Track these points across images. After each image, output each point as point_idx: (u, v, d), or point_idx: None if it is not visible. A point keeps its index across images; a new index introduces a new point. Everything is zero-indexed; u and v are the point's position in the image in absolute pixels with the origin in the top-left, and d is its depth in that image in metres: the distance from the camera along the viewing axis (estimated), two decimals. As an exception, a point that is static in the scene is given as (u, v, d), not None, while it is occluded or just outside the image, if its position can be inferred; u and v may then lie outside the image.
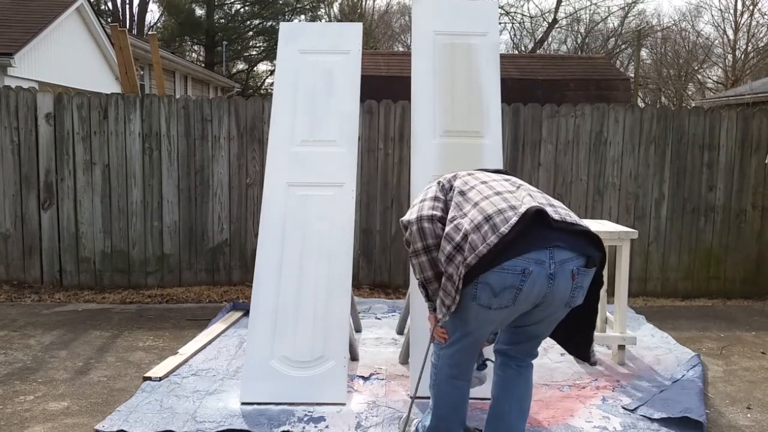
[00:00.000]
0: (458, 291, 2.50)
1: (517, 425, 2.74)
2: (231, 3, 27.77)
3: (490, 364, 3.07)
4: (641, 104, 24.08)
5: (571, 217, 2.54)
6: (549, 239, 2.43)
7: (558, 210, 2.53)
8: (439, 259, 2.59)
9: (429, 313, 2.87)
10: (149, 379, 3.86)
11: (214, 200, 6.20)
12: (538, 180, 6.20)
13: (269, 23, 27.50)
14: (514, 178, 2.81)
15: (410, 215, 2.72)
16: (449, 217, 2.62)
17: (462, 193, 2.67)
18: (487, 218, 2.47)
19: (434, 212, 2.65)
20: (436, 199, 2.72)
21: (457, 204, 2.64)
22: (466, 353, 2.75)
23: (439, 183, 2.82)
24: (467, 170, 2.91)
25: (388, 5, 33.91)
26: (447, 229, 2.57)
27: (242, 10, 28.00)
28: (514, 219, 2.42)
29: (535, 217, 2.43)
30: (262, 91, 29.38)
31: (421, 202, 2.75)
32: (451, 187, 2.77)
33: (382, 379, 3.91)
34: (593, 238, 2.53)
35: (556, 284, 2.44)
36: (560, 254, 2.44)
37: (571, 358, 4.38)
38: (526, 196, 2.56)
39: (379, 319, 5.30)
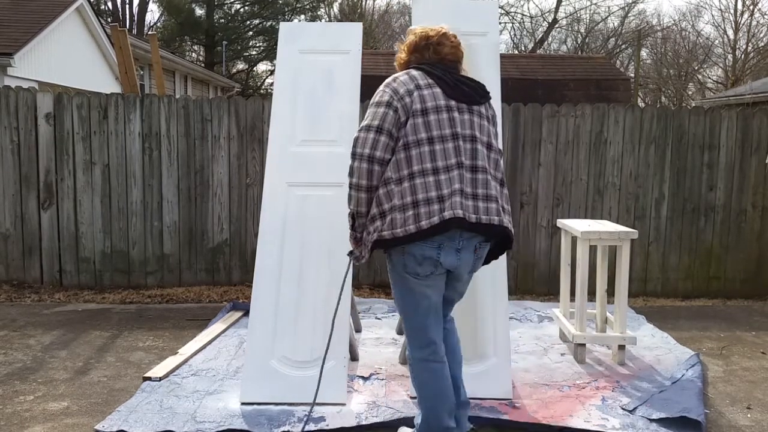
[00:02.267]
0: (369, 251, 2.80)
1: (456, 371, 3.01)
2: (231, 3, 27.77)
3: None
4: (641, 104, 24.08)
5: (489, 214, 2.75)
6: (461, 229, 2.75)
7: (478, 205, 2.73)
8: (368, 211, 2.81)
9: (350, 237, 2.95)
10: (149, 379, 3.86)
11: (214, 200, 6.20)
12: (538, 180, 6.20)
13: (269, 23, 27.49)
14: (459, 135, 2.76)
15: (363, 147, 2.74)
16: (386, 176, 2.74)
17: (407, 147, 2.72)
18: (414, 204, 2.68)
19: (385, 155, 2.75)
20: (389, 135, 2.74)
21: (397, 162, 2.73)
22: (428, 328, 2.87)
23: (395, 110, 2.75)
24: (426, 89, 2.79)
25: (388, 5, 33.92)
26: (380, 191, 2.74)
27: (242, 10, 28.00)
28: (435, 220, 2.66)
29: (454, 221, 2.68)
30: (262, 91, 29.37)
31: (376, 134, 2.74)
32: (406, 120, 2.75)
33: (382, 379, 3.91)
34: (501, 233, 2.84)
35: (462, 256, 2.79)
36: (467, 234, 2.77)
37: (570, 357, 4.38)
38: (456, 194, 2.69)
39: (379, 319, 5.30)
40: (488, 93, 2.95)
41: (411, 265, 2.75)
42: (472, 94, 2.86)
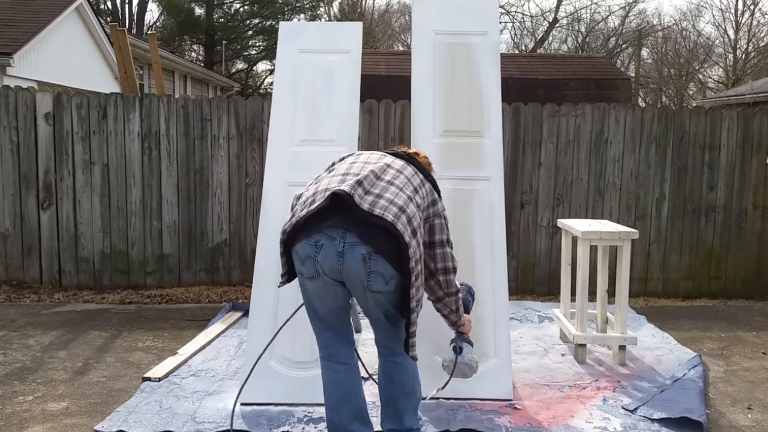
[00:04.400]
0: (281, 256, 2.79)
1: (401, 404, 2.95)
2: (230, 2, 27.74)
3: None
4: (642, 104, 24.06)
5: (387, 211, 2.60)
6: (346, 221, 2.62)
7: (377, 201, 2.64)
8: None
9: None
10: (148, 379, 3.85)
11: (213, 200, 6.19)
12: (539, 180, 6.19)
13: (269, 22, 27.46)
14: (381, 162, 2.86)
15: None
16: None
17: (330, 168, 2.93)
18: (314, 193, 2.73)
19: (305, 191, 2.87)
20: (318, 177, 2.93)
21: (317, 179, 2.88)
22: (324, 330, 2.87)
23: (333, 162, 3.01)
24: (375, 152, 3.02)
25: (388, 5, 33.91)
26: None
27: (241, 9, 27.96)
28: (325, 195, 2.65)
29: (341, 199, 2.61)
30: (261, 91, 29.36)
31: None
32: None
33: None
34: (391, 233, 2.59)
35: (345, 262, 2.61)
36: (351, 237, 2.61)
37: (571, 358, 4.37)
38: (351, 179, 2.68)
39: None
40: (435, 184, 2.99)
41: (297, 263, 2.73)
42: (415, 160, 2.99)
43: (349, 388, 2.87)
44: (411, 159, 2.98)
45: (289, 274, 2.84)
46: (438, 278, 2.87)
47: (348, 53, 4.16)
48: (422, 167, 2.99)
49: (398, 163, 2.91)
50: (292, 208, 2.84)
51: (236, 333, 4.83)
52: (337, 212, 2.62)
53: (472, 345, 3.14)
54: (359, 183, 2.68)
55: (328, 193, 2.65)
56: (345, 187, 2.63)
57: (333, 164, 2.99)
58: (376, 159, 2.90)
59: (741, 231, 6.34)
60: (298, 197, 2.84)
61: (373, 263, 2.60)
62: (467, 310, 3.16)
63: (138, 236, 6.15)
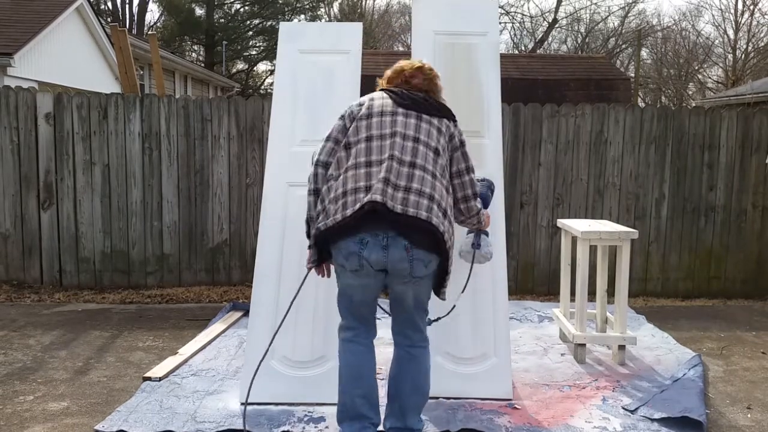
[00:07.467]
0: (310, 247, 2.97)
1: (409, 400, 3.00)
2: (231, 3, 27.77)
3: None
4: (641, 104, 24.07)
5: (420, 207, 2.76)
6: (386, 222, 2.77)
7: (408, 198, 2.77)
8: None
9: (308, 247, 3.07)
10: (149, 379, 3.86)
11: (213, 200, 6.19)
12: (539, 180, 6.20)
13: (269, 23, 27.49)
14: (396, 135, 2.88)
15: (315, 153, 3.01)
16: (329, 172, 2.93)
17: (348, 146, 2.93)
18: (344, 193, 2.82)
19: (328, 159, 2.97)
20: (336, 141, 2.98)
21: (338, 160, 2.93)
22: (352, 318, 3.02)
23: (343, 118, 3.02)
24: (378, 99, 3.02)
25: (388, 5, 33.90)
26: (323, 188, 2.92)
27: (242, 9, 28.00)
28: (357, 205, 2.76)
29: (375, 206, 2.74)
30: (261, 91, 29.37)
31: (325, 141, 3.01)
32: (351, 125, 2.97)
33: (382, 379, 3.89)
34: (427, 229, 2.78)
35: (390, 253, 2.79)
36: (393, 232, 2.79)
37: (570, 357, 4.38)
38: (379, 182, 2.77)
39: (379, 319, 5.27)
40: (449, 114, 3.04)
41: (339, 258, 2.88)
42: (425, 105, 2.99)
43: (363, 371, 2.97)
44: (419, 106, 2.97)
45: (318, 260, 3.01)
46: (459, 206, 3.01)
47: (348, 53, 4.16)
48: (434, 105, 3.01)
49: (412, 123, 2.91)
50: (315, 178, 2.95)
51: (236, 333, 4.84)
52: (371, 217, 2.75)
53: (487, 235, 3.27)
54: (386, 181, 2.77)
55: (359, 201, 2.75)
56: (376, 196, 2.74)
57: (345, 126, 2.98)
58: (389, 125, 2.91)
59: (740, 231, 6.35)
60: (326, 174, 2.93)
61: (415, 252, 2.80)
62: (486, 205, 3.25)
63: (138, 236, 6.16)
